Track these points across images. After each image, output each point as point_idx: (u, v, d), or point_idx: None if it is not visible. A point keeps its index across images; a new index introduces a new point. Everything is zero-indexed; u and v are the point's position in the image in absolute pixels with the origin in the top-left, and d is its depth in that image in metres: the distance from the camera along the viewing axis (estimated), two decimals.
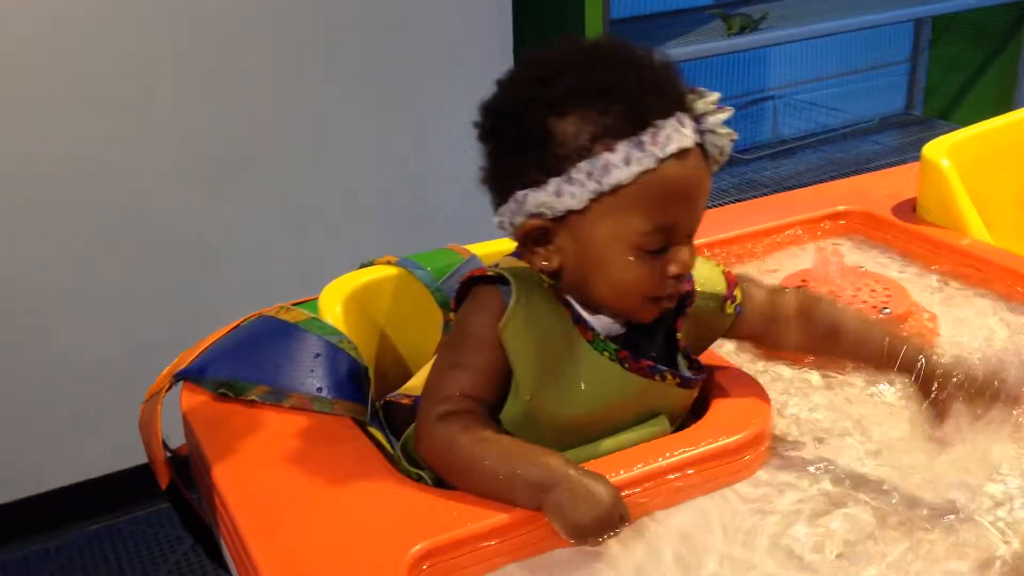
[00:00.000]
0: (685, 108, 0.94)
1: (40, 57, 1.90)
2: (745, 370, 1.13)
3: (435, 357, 1.04)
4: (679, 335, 1.04)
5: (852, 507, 0.97)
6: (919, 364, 0.99)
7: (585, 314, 1.00)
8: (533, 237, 0.97)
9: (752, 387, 1.09)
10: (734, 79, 3.61)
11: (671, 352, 1.05)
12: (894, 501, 0.97)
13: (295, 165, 2.20)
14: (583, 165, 0.92)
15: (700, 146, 0.95)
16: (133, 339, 2.10)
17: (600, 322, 1.00)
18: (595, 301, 0.99)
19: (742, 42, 2.96)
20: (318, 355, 1.11)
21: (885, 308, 1.25)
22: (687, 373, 1.04)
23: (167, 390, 1.14)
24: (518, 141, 0.95)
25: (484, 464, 0.93)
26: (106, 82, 1.97)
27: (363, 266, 1.24)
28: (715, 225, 1.51)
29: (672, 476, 0.97)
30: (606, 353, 0.99)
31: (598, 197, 0.92)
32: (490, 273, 1.00)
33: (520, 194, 0.95)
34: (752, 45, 3.03)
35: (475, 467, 0.93)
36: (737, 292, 1.07)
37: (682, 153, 0.92)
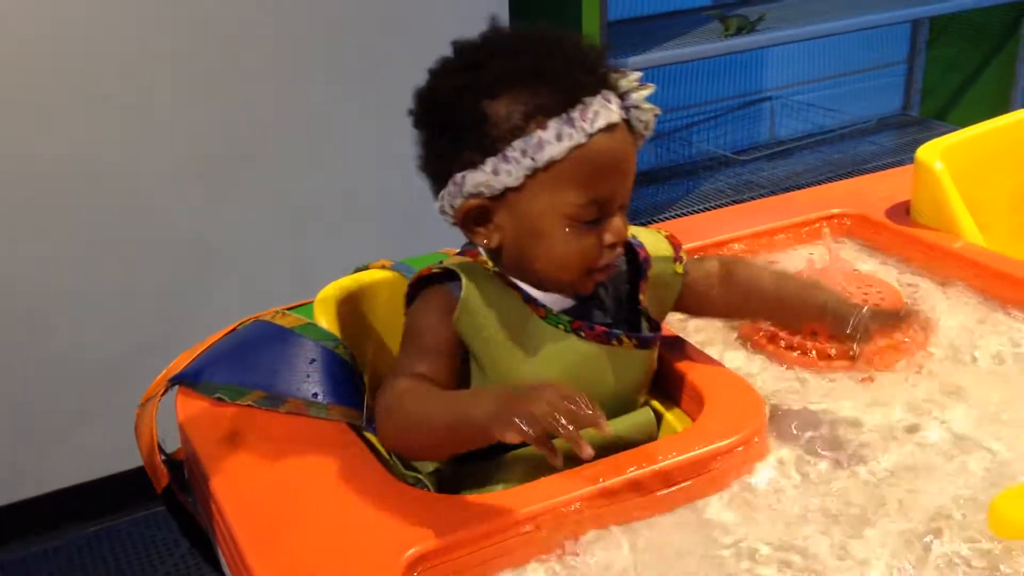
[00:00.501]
0: (610, 86, 0.99)
1: (39, 57, 1.91)
2: (735, 366, 1.14)
3: None
4: (642, 297, 1.09)
5: (848, 509, 0.97)
6: (833, 308, 1.10)
7: (535, 293, 1.04)
8: (473, 217, 1.01)
9: (743, 388, 1.10)
10: (731, 80, 3.61)
11: (632, 317, 1.09)
12: (888, 503, 0.98)
13: (294, 166, 2.20)
14: (517, 143, 0.96)
15: (626, 122, 1.00)
16: (132, 339, 2.11)
17: (550, 299, 1.04)
18: (536, 275, 1.03)
19: (739, 43, 2.97)
20: (314, 360, 1.12)
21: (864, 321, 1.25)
22: (645, 333, 1.08)
23: (163, 394, 1.14)
24: (453, 125, 1.00)
25: (430, 410, 0.95)
26: (105, 82, 1.97)
27: (358, 270, 1.25)
28: (711, 228, 1.52)
29: (664, 481, 0.97)
30: (560, 326, 1.03)
31: (533, 173, 0.97)
32: (435, 271, 1.03)
33: (458, 176, 1.00)
34: (749, 46, 3.04)
35: (423, 416, 0.95)
36: (683, 253, 1.14)
37: (610, 128, 0.97)
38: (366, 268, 1.25)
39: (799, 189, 1.81)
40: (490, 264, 1.05)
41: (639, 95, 1.00)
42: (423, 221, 2.29)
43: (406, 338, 1.04)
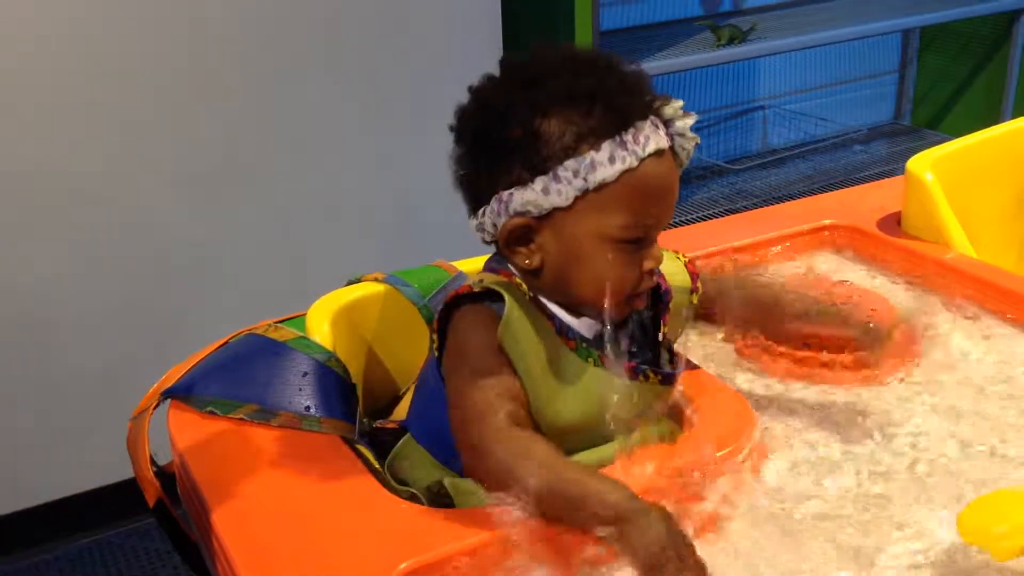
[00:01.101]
0: (657, 112, 1.00)
1: (32, 72, 1.91)
2: (728, 379, 1.15)
3: (420, 378, 1.06)
4: (665, 329, 1.09)
5: (841, 523, 0.97)
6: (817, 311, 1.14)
7: (568, 319, 1.03)
8: (516, 236, 1.00)
9: (735, 399, 1.10)
10: (723, 90, 3.62)
11: (654, 349, 1.08)
12: (884, 517, 0.98)
13: (287, 178, 2.20)
14: (570, 163, 0.96)
15: (672, 149, 1.00)
16: (125, 352, 2.10)
17: (583, 324, 1.03)
18: (576, 298, 1.02)
19: (731, 53, 2.98)
20: (306, 374, 1.11)
21: (870, 323, 1.25)
22: (667, 369, 1.07)
23: (155, 408, 1.14)
24: (503, 142, 0.98)
25: (561, 473, 0.91)
26: (99, 91, 1.97)
27: (350, 283, 1.25)
28: (702, 238, 1.52)
29: (657, 492, 0.97)
30: (590, 360, 1.02)
31: (583, 194, 0.96)
32: (477, 290, 1.00)
33: (505, 194, 0.99)
34: (741, 56, 3.05)
35: (552, 474, 0.90)
36: (699, 283, 1.15)
37: (659, 153, 0.98)
38: (359, 281, 1.25)
39: (792, 198, 1.81)
40: (524, 287, 1.02)
41: (683, 123, 1.00)
42: (416, 234, 2.32)
43: (465, 360, 0.99)
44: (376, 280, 1.24)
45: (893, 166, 3.44)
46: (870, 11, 3.34)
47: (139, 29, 1.98)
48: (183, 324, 2.12)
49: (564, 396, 1.01)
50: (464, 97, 1.03)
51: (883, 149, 3.83)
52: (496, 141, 0.99)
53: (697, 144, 1.02)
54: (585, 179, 0.95)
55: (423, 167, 2.20)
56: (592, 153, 0.95)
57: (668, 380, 1.06)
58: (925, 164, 1.49)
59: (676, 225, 2.64)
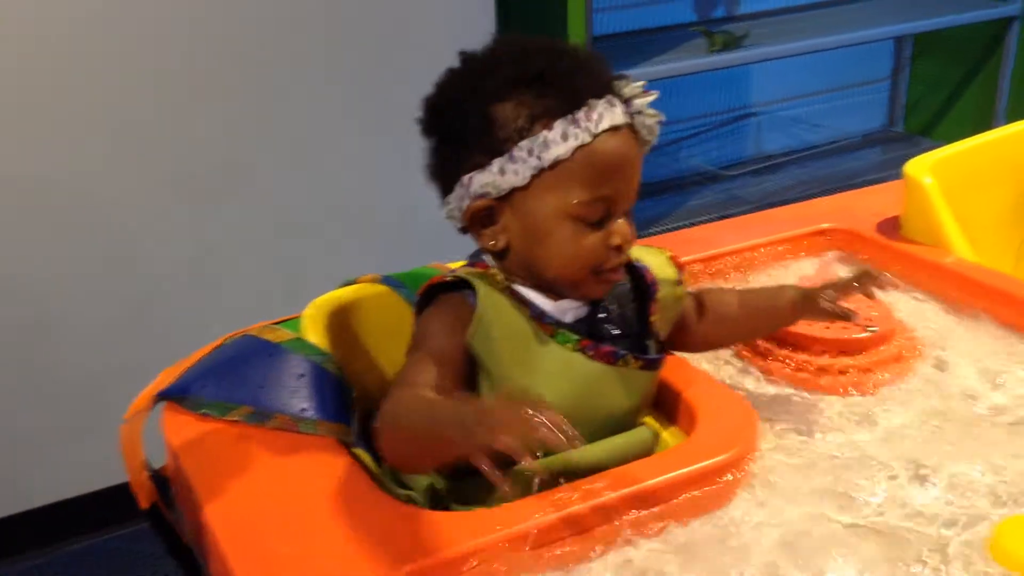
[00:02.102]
0: (614, 92, 1.01)
1: (32, 74, 1.90)
2: (730, 383, 1.14)
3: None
4: (653, 318, 1.10)
5: (843, 527, 0.96)
6: (799, 298, 1.13)
7: (546, 305, 1.04)
8: (480, 218, 1.03)
9: (738, 404, 1.09)
10: (717, 95, 3.62)
11: (640, 338, 1.09)
12: (886, 523, 0.97)
13: (282, 179, 2.20)
14: (524, 143, 0.98)
15: (631, 127, 1.01)
16: (118, 353, 2.09)
17: (561, 307, 1.05)
18: (543, 277, 1.04)
19: (724, 59, 2.98)
20: (302, 375, 1.10)
21: (870, 326, 1.25)
22: (650, 355, 1.08)
23: (149, 410, 1.13)
24: (461, 129, 1.02)
25: (417, 418, 0.93)
26: (96, 95, 1.97)
27: (346, 284, 1.24)
28: (699, 243, 1.52)
29: (657, 498, 0.96)
30: (568, 345, 1.03)
31: (539, 173, 0.99)
32: (449, 279, 1.04)
33: (466, 178, 1.02)
34: (734, 62, 3.05)
35: (409, 424, 0.93)
36: (684, 276, 1.15)
37: (614, 129, 0.99)
38: (354, 282, 1.24)
39: (786, 204, 1.80)
40: (500, 276, 1.04)
41: (642, 100, 1.02)
42: (412, 235, 2.31)
43: (416, 343, 1.04)
44: (372, 281, 1.24)
45: (887, 172, 3.44)
46: (863, 18, 3.34)
47: (139, 30, 1.97)
48: (180, 326, 2.11)
49: (541, 383, 1.01)
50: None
51: (876, 156, 3.84)
52: (456, 129, 1.03)
53: (660, 121, 1.04)
54: (539, 157, 0.98)
55: (419, 169, 2.19)
56: (545, 132, 0.98)
57: (651, 366, 1.08)
58: (924, 167, 1.48)
59: (670, 231, 2.64)
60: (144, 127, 2.03)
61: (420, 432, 0.93)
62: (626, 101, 1.01)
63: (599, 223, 1.01)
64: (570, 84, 0.99)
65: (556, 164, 0.98)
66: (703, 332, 1.18)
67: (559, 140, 0.97)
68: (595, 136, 0.98)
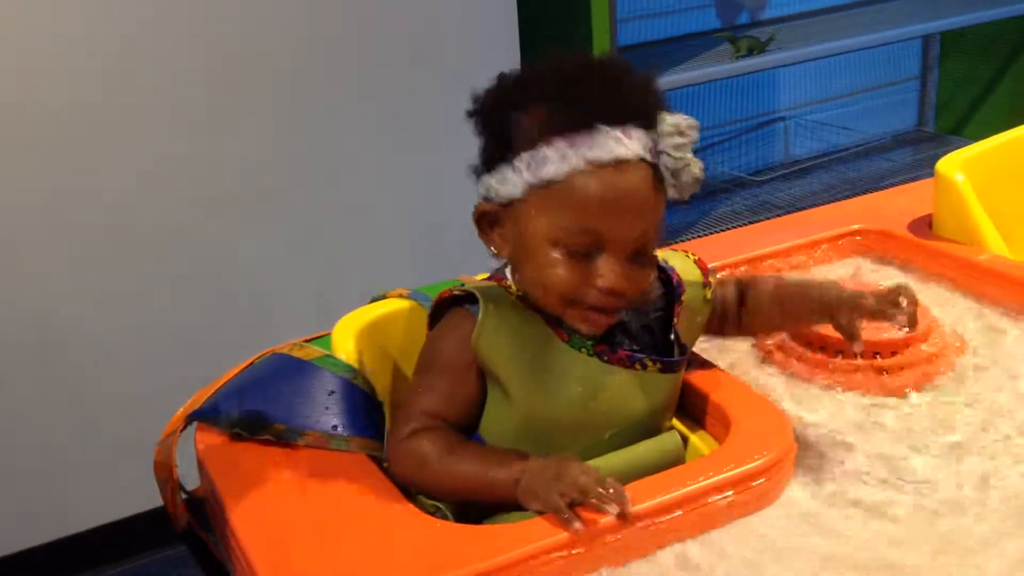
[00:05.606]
0: (644, 124, 0.97)
1: (64, 97, 1.92)
2: (758, 385, 1.14)
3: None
4: (676, 321, 1.08)
5: (884, 541, 0.95)
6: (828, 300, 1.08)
7: None
8: (487, 219, 1.03)
9: (767, 408, 1.08)
10: (743, 101, 3.60)
11: (663, 342, 1.08)
12: (932, 537, 0.95)
13: (311, 197, 2.21)
14: (525, 155, 0.97)
15: (652, 165, 0.97)
16: (156, 376, 2.09)
17: None
18: (527, 293, 1.02)
19: (750, 64, 2.96)
20: (332, 392, 1.10)
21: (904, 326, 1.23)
22: (669, 357, 1.07)
23: (181, 431, 1.13)
24: (487, 131, 1.02)
25: (456, 472, 0.98)
26: (125, 115, 1.98)
27: (375, 300, 1.24)
28: (731, 247, 1.51)
29: (695, 505, 0.95)
30: (583, 350, 1.02)
31: (535, 189, 0.97)
32: (456, 293, 1.04)
33: (483, 178, 1.02)
34: (760, 67, 3.03)
35: (447, 478, 0.99)
36: (711, 278, 1.13)
37: (620, 163, 0.95)
38: (383, 298, 1.24)
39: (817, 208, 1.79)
40: (514, 287, 1.04)
41: (670, 141, 0.97)
42: (441, 250, 2.31)
43: (424, 360, 1.05)
44: (400, 296, 1.23)
45: (918, 173, 3.40)
46: (889, 18, 3.31)
47: (172, 51, 1.99)
48: (211, 348, 2.11)
49: (556, 389, 1.01)
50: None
51: (907, 157, 3.80)
52: (483, 132, 1.03)
53: (692, 171, 0.98)
54: (534, 173, 0.96)
55: (449, 183, 2.21)
56: (544, 148, 0.95)
57: (669, 368, 1.06)
58: (955, 165, 1.46)
59: (700, 237, 2.63)
60: (180, 146, 2.05)
61: (460, 485, 0.99)
62: (657, 137, 0.97)
63: (587, 255, 0.97)
64: (586, 105, 0.95)
65: (549, 184, 0.95)
66: (743, 321, 1.17)
67: (556, 160, 0.95)
68: (593, 164, 0.94)
